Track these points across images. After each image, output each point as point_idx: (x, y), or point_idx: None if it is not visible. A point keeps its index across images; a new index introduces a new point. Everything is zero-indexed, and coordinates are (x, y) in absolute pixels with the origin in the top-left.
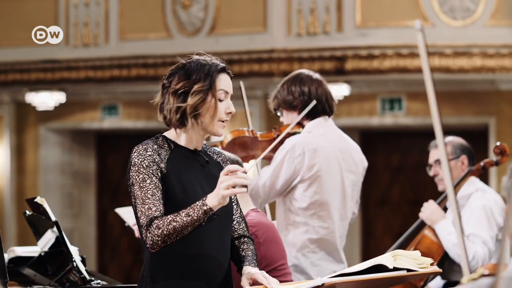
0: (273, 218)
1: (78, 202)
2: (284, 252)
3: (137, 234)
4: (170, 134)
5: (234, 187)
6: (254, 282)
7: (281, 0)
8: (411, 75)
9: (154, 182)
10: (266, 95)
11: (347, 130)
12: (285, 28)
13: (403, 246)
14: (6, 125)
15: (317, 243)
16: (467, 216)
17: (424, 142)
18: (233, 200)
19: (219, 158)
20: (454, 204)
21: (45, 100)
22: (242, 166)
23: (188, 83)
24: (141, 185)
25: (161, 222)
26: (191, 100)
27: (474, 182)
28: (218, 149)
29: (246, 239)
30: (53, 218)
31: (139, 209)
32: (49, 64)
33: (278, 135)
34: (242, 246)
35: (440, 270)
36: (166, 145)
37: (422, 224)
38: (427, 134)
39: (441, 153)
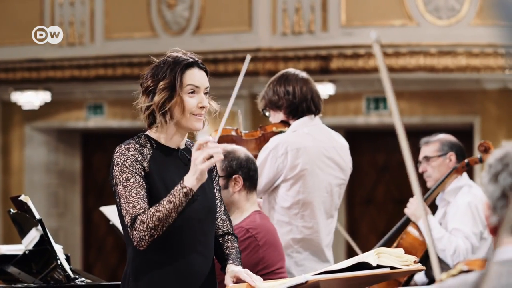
0: None
1: (63, 201)
2: (283, 255)
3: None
4: (152, 133)
5: (209, 159)
6: (238, 280)
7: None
8: (396, 74)
9: (137, 181)
10: (251, 94)
11: (332, 129)
12: (270, 28)
13: (388, 244)
14: None
15: (301, 243)
16: (453, 211)
17: (409, 141)
18: (217, 197)
19: None
20: (423, 210)
21: (30, 99)
22: (254, 162)
23: (154, 81)
24: (125, 184)
25: (144, 216)
26: (157, 98)
27: (462, 177)
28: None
29: (230, 236)
30: (37, 216)
31: (123, 208)
32: (35, 63)
33: (263, 134)
34: (226, 244)
35: (423, 268)
36: (149, 144)
37: (407, 222)
38: (413, 133)
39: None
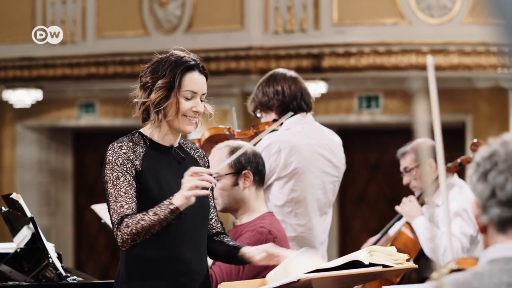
0: None
1: (55, 199)
2: None
3: None
4: (146, 130)
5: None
6: (269, 256)
7: None
8: (388, 72)
9: (127, 180)
10: (243, 93)
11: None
12: (262, 26)
13: (380, 244)
14: None
15: (295, 241)
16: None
17: (401, 140)
18: (210, 197)
19: (196, 154)
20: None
21: (22, 97)
22: (261, 156)
23: (153, 78)
24: (115, 183)
25: (130, 220)
26: (153, 96)
27: (453, 177)
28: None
29: (225, 235)
30: (29, 214)
31: (111, 206)
32: (26, 61)
33: (255, 133)
34: (225, 239)
35: (416, 266)
36: (142, 142)
37: (399, 219)
38: (404, 132)
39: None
